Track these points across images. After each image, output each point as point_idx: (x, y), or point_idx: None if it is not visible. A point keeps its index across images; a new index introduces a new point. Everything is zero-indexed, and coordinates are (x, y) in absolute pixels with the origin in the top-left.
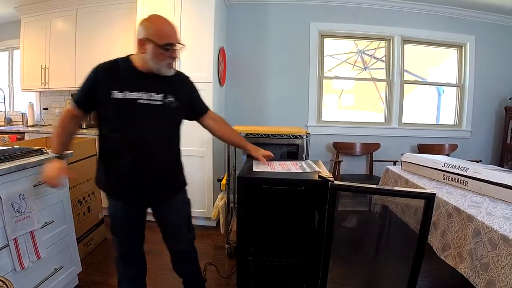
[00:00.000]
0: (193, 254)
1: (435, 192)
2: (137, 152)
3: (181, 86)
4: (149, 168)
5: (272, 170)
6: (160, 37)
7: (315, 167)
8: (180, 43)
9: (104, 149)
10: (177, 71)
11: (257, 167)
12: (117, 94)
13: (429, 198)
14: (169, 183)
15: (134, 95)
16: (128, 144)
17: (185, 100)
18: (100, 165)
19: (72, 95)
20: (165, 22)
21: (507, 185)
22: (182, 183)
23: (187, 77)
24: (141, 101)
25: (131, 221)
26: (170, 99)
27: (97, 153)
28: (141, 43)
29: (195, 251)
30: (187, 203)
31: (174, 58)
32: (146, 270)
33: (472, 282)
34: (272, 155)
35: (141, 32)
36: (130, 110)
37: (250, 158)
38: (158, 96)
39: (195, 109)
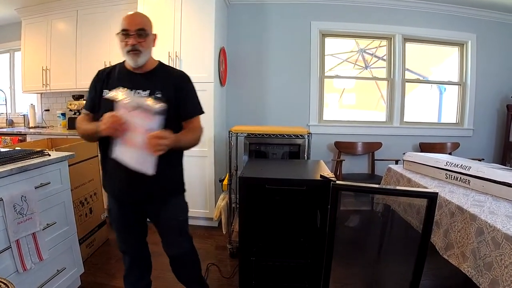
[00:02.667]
0: (187, 259)
1: (437, 191)
2: None
3: (171, 82)
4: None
5: None
6: (120, 26)
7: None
8: (144, 32)
9: (100, 149)
10: (174, 68)
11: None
12: (107, 93)
13: (432, 198)
14: (157, 186)
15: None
16: (114, 143)
17: (173, 98)
18: (101, 165)
19: (73, 96)
20: (131, 13)
21: (510, 183)
22: (176, 188)
23: (183, 76)
24: None
25: (125, 218)
26: (157, 95)
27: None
28: (118, 38)
29: (191, 255)
30: (179, 208)
31: (130, 45)
32: (150, 267)
33: (475, 282)
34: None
35: None
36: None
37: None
38: (144, 93)
39: (182, 110)
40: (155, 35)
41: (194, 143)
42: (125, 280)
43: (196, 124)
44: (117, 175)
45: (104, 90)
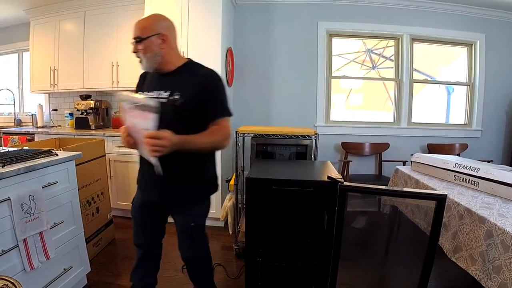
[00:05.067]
0: (199, 262)
1: (446, 193)
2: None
3: (192, 82)
4: (153, 170)
5: None
6: None
7: None
8: (138, 39)
9: None
10: (200, 66)
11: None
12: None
13: (440, 200)
14: (174, 191)
15: (149, 94)
16: None
17: (193, 98)
18: None
19: (80, 96)
20: (140, 19)
21: None
22: (196, 193)
23: (208, 75)
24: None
25: (145, 213)
26: (175, 96)
27: None
28: None
29: (203, 259)
30: (193, 216)
31: (134, 52)
32: (158, 266)
33: (484, 285)
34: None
35: None
36: None
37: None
38: (165, 94)
39: (206, 113)
40: (162, 35)
41: (213, 146)
42: (132, 274)
43: (219, 126)
44: (145, 174)
45: (139, 92)
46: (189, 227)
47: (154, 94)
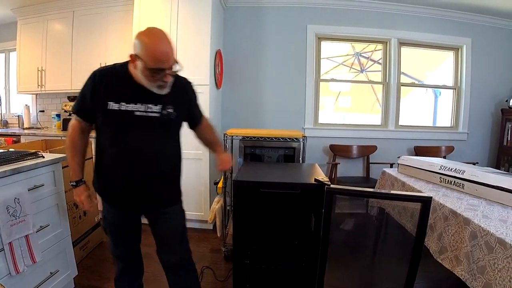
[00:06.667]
0: (189, 268)
1: (431, 195)
2: (132, 164)
3: (181, 94)
4: (143, 180)
5: None
6: (151, 60)
7: None
8: (174, 65)
9: (100, 156)
10: (178, 76)
11: None
12: (113, 106)
13: (426, 202)
14: (164, 194)
15: (131, 106)
16: (122, 155)
17: (184, 110)
18: (96, 170)
19: (68, 97)
20: (161, 43)
21: (503, 187)
22: (179, 195)
23: (189, 84)
24: (138, 113)
25: (123, 225)
26: (169, 110)
27: (94, 158)
28: (133, 58)
29: (192, 265)
30: (181, 215)
31: (165, 82)
32: (142, 270)
33: (469, 285)
34: (228, 166)
35: (135, 47)
36: (126, 122)
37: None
38: (156, 108)
39: (192, 118)
40: None
41: None
42: (116, 283)
43: (208, 123)
44: (117, 179)
45: (108, 103)
46: (182, 227)
47: (141, 107)
